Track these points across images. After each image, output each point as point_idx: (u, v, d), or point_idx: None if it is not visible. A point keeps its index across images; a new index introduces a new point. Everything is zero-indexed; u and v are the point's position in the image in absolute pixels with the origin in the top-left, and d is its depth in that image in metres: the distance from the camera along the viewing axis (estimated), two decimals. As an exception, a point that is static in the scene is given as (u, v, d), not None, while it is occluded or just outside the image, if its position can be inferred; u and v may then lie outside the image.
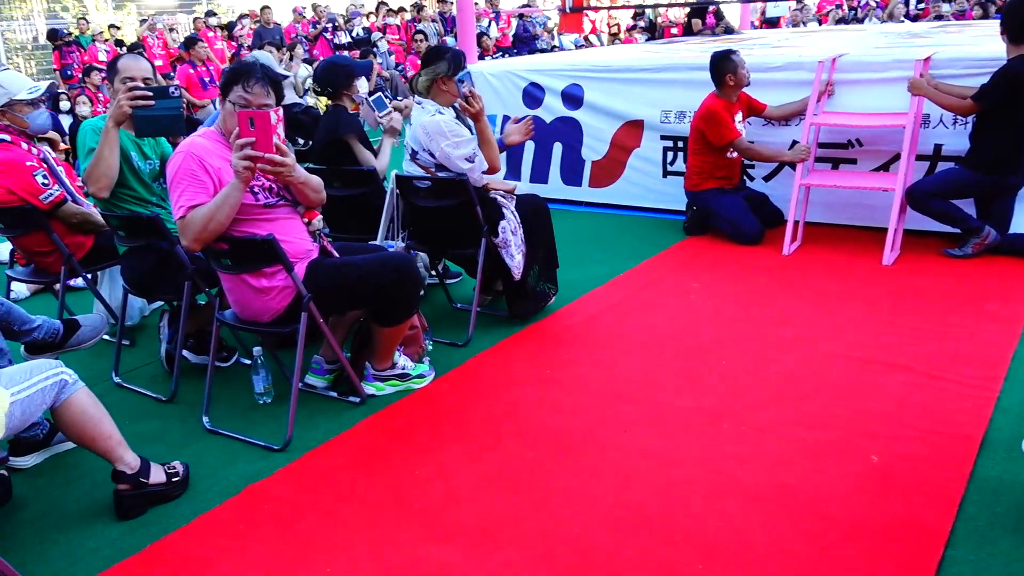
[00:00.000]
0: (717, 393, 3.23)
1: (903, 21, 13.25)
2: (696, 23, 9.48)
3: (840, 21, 15.54)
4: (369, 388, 3.34)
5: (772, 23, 14.27)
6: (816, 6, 16.42)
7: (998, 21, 4.60)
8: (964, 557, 2.22)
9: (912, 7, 14.89)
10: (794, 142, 5.20)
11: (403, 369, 3.38)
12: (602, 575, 2.23)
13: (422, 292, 3.58)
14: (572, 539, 2.38)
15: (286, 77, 4.05)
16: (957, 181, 4.68)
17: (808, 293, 4.26)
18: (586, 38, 16.48)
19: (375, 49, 14.11)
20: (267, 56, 5.20)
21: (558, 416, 3.11)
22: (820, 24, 15.48)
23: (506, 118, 6.60)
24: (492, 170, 3.87)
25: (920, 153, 5.02)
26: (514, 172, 6.72)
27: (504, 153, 4.75)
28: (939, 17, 13.35)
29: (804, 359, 3.49)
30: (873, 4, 15.66)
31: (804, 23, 14.55)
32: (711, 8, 9.99)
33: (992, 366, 3.33)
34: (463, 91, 3.72)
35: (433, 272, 4.48)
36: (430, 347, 3.70)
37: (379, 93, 4.32)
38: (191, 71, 11.14)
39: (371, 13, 16.41)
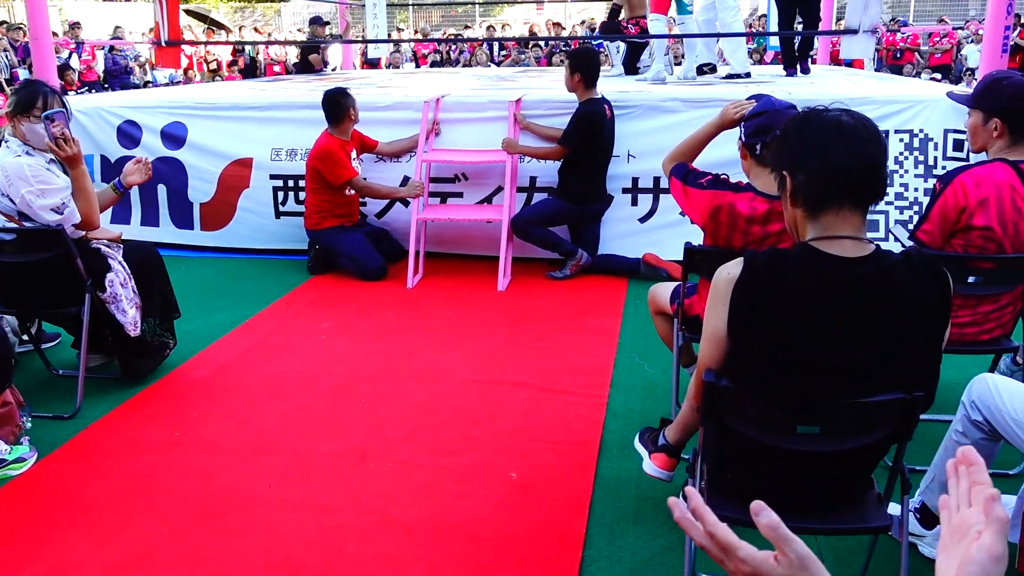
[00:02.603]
0: (359, 432, 3.21)
1: (489, 66, 14.50)
2: (316, 59, 9.64)
3: (435, 64, 16.57)
4: (-48, 482, 2.79)
5: (373, 64, 14.77)
6: (414, 48, 17.31)
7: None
8: (600, 554, 2.44)
9: (496, 54, 16.36)
10: (405, 178, 5.40)
11: (-4, 454, 2.88)
12: (261, 646, 2.08)
13: (13, 362, 3.09)
14: (224, 614, 2.19)
15: None
16: (551, 211, 5.21)
17: (434, 323, 4.43)
18: (185, 73, 15.68)
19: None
20: None
21: (193, 481, 2.86)
22: (418, 66, 16.36)
23: (104, 159, 6.02)
24: (88, 225, 3.43)
25: (519, 185, 5.50)
26: (123, 216, 6.10)
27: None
28: (518, 63, 14.83)
29: (437, 388, 3.61)
30: (463, 48, 16.92)
31: (401, 65, 15.28)
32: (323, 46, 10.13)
33: (599, 374, 3.72)
34: (52, 132, 3.28)
35: (24, 336, 3.90)
36: (28, 424, 3.19)
37: None
38: None
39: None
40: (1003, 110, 2.72)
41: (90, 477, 2.91)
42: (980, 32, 12.64)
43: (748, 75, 6.98)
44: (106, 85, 13.75)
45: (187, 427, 3.28)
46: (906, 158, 5.15)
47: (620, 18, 7.77)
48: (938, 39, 16.44)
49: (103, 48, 14.78)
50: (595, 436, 3.15)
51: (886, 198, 5.15)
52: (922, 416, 2.64)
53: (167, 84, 14.62)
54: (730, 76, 6.93)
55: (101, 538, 2.53)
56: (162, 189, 6.02)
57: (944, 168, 5.02)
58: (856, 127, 1.66)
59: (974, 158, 2.95)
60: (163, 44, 7.29)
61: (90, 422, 3.31)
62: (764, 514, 0.85)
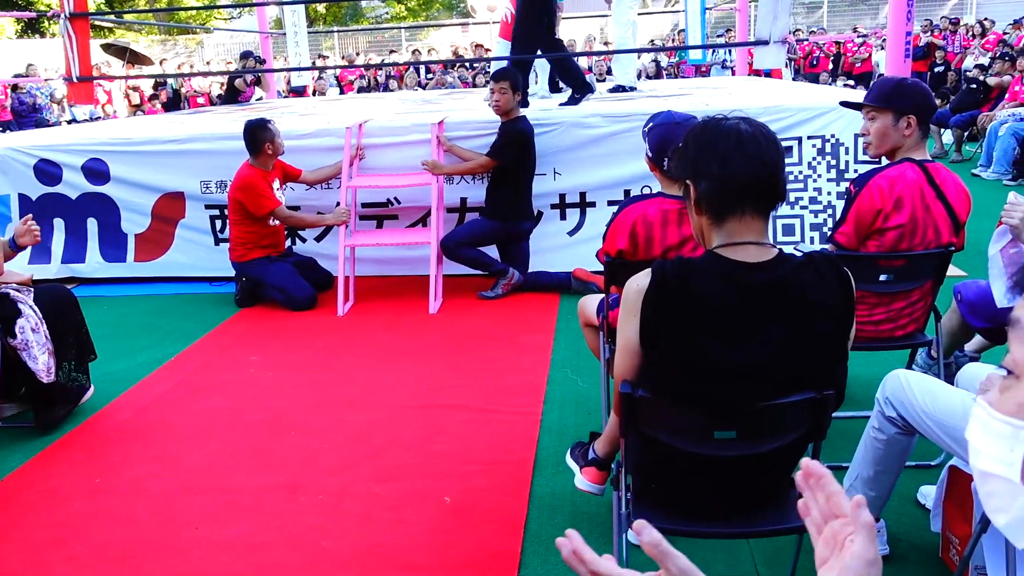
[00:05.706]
0: (290, 466, 3.14)
1: (416, 89, 14.49)
2: (240, 83, 9.66)
3: (362, 90, 16.50)
4: None
5: (299, 92, 14.66)
6: (339, 75, 17.23)
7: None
8: (535, 573, 2.42)
9: (423, 77, 16.37)
10: (338, 203, 5.36)
11: (-97, 514, 2.75)
12: None
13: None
14: (149, 665, 2.12)
15: None
16: (480, 231, 5.21)
17: (366, 350, 4.37)
18: (104, 108, 15.34)
19: None
20: None
21: (116, 528, 2.77)
22: (342, 92, 16.28)
23: (22, 197, 5.85)
24: None
25: (450, 206, 5.49)
26: (43, 256, 5.91)
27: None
28: (443, 86, 14.86)
29: (371, 416, 3.56)
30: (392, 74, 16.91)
31: (326, 91, 15.18)
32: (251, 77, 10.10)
33: (533, 391, 3.71)
34: None
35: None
36: (-60, 480, 3.07)
37: None
38: None
39: None
40: (917, 107, 2.78)
41: (7, 531, 2.78)
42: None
43: (634, 88, 7.32)
44: (17, 124, 13.34)
45: (109, 472, 3.17)
46: (819, 163, 5.29)
47: None
48: (855, 47, 16.96)
49: (12, 87, 14.36)
50: (530, 454, 3.13)
51: (801, 203, 5.29)
52: (843, 413, 2.70)
53: (87, 120, 14.28)
54: (616, 88, 7.33)
55: (17, 595, 2.43)
56: (92, 223, 5.88)
57: (856, 171, 5.17)
58: (754, 134, 1.69)
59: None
60: (75, 80, 7.12)
61: (6, 474, 3.17)
62: (646, 532, 0.88)
